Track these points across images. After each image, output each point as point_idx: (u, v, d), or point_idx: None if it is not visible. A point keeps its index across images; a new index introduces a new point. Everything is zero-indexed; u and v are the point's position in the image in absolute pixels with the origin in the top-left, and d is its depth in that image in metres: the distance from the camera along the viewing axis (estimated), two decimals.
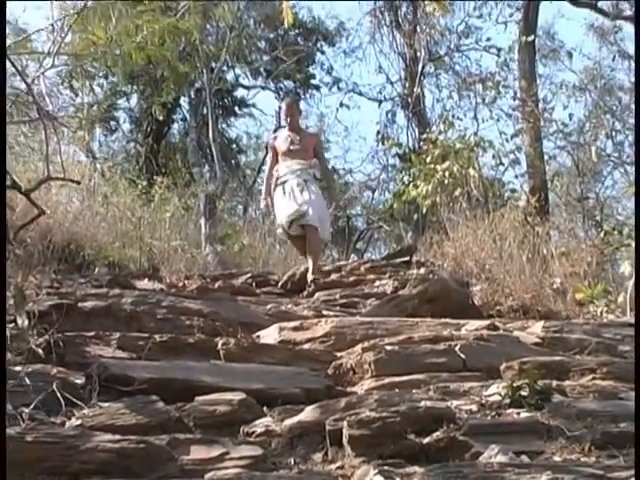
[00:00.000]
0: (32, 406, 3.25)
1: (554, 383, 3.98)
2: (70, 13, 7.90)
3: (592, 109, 16.74)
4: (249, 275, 8.34)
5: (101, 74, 17.34)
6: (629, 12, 16.53)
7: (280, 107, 9.50)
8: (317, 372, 4.38)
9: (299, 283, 7.84)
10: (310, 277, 7.74)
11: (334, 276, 8.08)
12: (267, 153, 9.45)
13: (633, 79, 16.13)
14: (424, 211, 12.42)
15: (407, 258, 8.97)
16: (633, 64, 16.10)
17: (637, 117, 9.15)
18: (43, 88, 7.53)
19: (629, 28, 17.18)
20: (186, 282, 7.89)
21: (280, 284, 8.00)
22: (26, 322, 3.91)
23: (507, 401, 3.72)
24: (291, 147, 8.59)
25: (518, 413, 3.59)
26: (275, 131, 10.12)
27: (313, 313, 6.08)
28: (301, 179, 8.37)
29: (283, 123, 9.59)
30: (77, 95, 17.14)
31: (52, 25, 7.39)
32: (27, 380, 3.42)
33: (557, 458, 3.09)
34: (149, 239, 9.84)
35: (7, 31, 9.76)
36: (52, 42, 7.15)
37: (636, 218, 7.52)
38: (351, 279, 7.92)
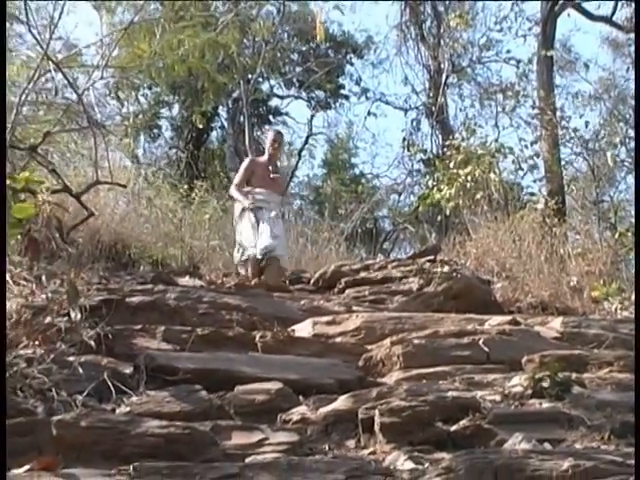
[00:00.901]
0: (85, 393, 3.28)
1: (573, 375, 3.94)
2: (117, 29, 7.98)
3: (607, 117, 16.59)
4: None
5: (145, 85, 17.44)
6: None
7: (268, 135, 9.37)
8: (349, 364, 4.37)
9: (330, 281, 7.82)
10: None
11: (363, 274, 8.04)
12: (238, 172, 8.83)
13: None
14: (447, 213, 12.39)
15: (432, 257, 8.92)
16: None
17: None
18: (92, 99, 7.61)
19: None
20: (224, 279, 7.90)
21: (312, 281, 7.99)
22: (78, 316, 3.93)
23: (529, 392, 3.70)
24: (271, 176, 8.40)
25: (540, 403, 3.57)
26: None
27: (344, 308, 6.06)
28: (275, 212, 8.20)
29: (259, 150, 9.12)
30: (123, 105, 17.26)
31: (101, 40, 7.47)
32: (80, 369, 3.44)
33: (578, 446, 3.06)
34: (189, 239, 9.89)
35: (59, 46, 9.87)
36: (101, 56, 7.22)
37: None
38: (379, 277, 7.87)
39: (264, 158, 8.77)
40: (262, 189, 8.35)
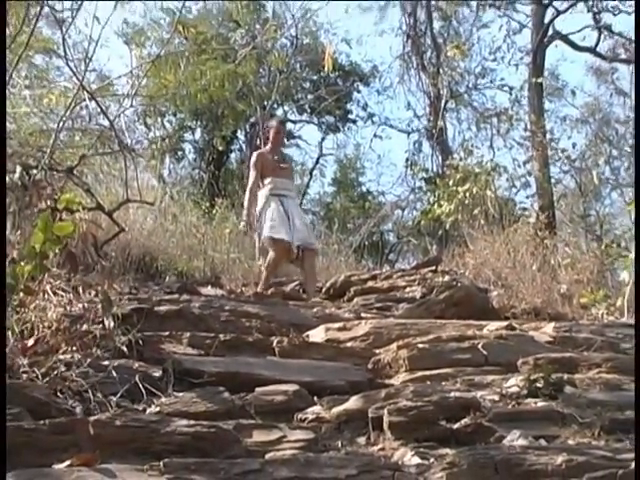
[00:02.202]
0: (118, 395, 3.27)
1: (565, 376, 3.91)
2: (146, 61, 8.03)
3: (592, 139, 16.59)
4: (297, 283, 8.34)
5: (171, 112, 17.57)
6: (624, 55, 16.43)
7: (270, 125, 8.54)
8: (359, 367, 4.33)
9: (340, 290, 7.82)
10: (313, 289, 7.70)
11: (370, 283, 8.04)
12: (250, 170, 8.05)
13: (628, 113, 15.97)
14: (447, 227, 12.41)
15: (433, 268, 8.92)
16: (628, 100, 15.94)
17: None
18: (123, 125, 7.66)
19: (624, 69, 17.13)
20: (243, 289, 7.92)
21: (324, 290, 7.99)
22: (112, 324, 3.93)
23: (525, 392, 3.67)
24: (282, 165, 8.01)
25: (535, 402, 3.54)
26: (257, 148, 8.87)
27: (354, 315, 6.02)
28: (296, 201, 8.03)
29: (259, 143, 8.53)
30: (150, 130, 17.34)
31: (131, 72, 7.52)
32: (114, 373, 3.44)
33: (571, 442, 3.04)
34: (211, 252, 9.89)
35: (94, 77, 9.93)
36: (131, 86, 7.27)
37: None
38: (385, 286, 7.87)
39: (268, 148, 8.18)
40: (277, 177, 7.87)
